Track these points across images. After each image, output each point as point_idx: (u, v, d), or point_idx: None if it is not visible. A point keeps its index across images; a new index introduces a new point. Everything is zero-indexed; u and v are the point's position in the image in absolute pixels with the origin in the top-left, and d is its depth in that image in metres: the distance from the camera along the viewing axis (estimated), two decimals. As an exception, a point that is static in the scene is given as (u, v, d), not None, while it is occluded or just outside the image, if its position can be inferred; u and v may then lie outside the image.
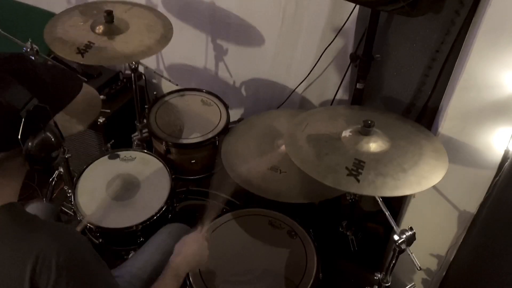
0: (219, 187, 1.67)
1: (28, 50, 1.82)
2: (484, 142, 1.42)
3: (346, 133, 1.43)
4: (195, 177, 2.08)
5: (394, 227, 1.25)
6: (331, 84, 2.20)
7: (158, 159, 1.92)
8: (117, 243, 1.76)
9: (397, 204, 1.84)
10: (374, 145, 1.38)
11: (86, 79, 2.44)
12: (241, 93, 2.54)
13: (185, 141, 1.97)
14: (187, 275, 1.49)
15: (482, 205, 1.52)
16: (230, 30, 2.32)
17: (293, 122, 1.58)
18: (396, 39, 1.77)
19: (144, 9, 2.03)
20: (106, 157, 1.93)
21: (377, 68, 1.83)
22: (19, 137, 0.89)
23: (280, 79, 2.36)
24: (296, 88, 2.30)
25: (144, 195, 1.78)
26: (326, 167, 1.31)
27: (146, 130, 2.17)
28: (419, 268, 1.23)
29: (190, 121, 2.07)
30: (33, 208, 1.68)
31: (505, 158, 1.40)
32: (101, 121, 2.25)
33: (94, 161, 1.91)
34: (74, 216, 1.73)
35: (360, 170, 1.28)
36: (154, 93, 2.24)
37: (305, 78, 2.23)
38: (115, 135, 2.26)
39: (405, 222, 1.72)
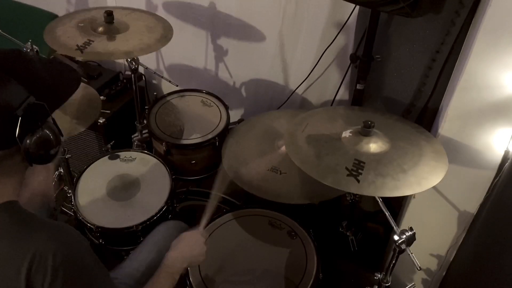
0: (220, 186, 1.67)
1: (28, 50, 1.82)
2: (484, 143, 1.42)
3: (346, 134, 1.44)
4: (195, 177, 2.08)
5: (394, 227, 1.25)
6: (331, 85, 2.20)
7: (158, 159, 1.92)
8: (117, 243, 1.76)
9: (397, 205, 1.84)
10: (374, 146, 1.38)
11: (86, 80, 2.44)
12: (241, 93, 2.54)
13: (185, 142, 1.97)
14: (187, 275, 1.50)
15: (482, 205, 1.52)
16: (230, 31, 2.33)
17: (293, 123, 1.58)
18: (396, 39, 1.78)
19: (144, 13, 2.04)
20: (106, 157, 1.93)
21: (377, 69, 1.83)
22: (16, 135, 0.89)
23: (280, 80, 2.37)
24: (296, 88, 2.30)
25: (144, 196, 1.78)
26: (326, 168, 1.31)
27: (146, 130, 2.17)
28: (419, 268, 1.23)
29: (190, 121, 2.07)
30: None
31: (505, 158, 1.40)
32: (101, 121, 2.25)
33: (94, 161, 1.91)
34: (74, 217, 1.73)
35: (360, 171, 1.28)
36: (154, 93, 2.24)
37: (305, 78, 2.23)
38: (115, 136, 2.26)
39: (405, 222, 1.72)
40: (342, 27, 1.96)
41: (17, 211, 0.95)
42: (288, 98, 2.35)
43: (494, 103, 1.33)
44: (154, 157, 1.94)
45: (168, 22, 1.96)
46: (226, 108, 2.12)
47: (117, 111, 2.36)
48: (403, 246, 1.22)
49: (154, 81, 2.77)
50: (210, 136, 1.97)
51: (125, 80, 2.51)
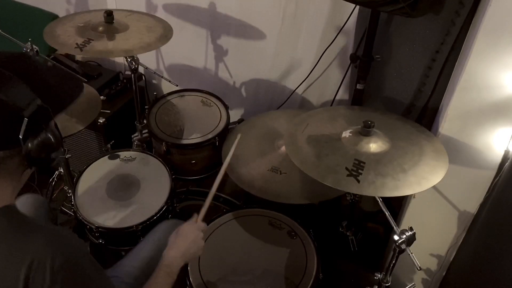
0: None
1: (28, 50, 1.82)
2: (484, 143, 1.42)
3: (346, 134, 1.44)
4: (195, 177, 2.08)
5: (394, 227, 1.25)
6: (331, 85, 2.20)
7: (158, 159, 1.92)
8: (117, 243, 1.75)
9: (397, 204, 1.84)
10: (374, 146, 1.38)
11: (86, 80, 2.44)
12: (241, 93, 2.54)
13: (185, 142, 1.97)
14: (187, 275, 1.50)
15: (482, 205, 1.52)
16: (230, 31, 2.33)
17: (293, 123, 1.58)
18: (396, 39, 1.78)
19: (144, 15, 2.04)
20: (106, 157, 1.93)
21: (377, 69, 1.83)
22: (20, 136, 0.89)
23: (280, 80, 2.37)
24: (296, 88, 2.30)
25: (144, 195, 1.78)
26: (326, 168, 1.31)
27: (146, 130, 2.17)
28: (419, 268, 1.23)
29: (190, 121, 2.07)
30: (24, 200, 1.65)
31: (505, 158, 1.41)
32: (101, 121, 2.25)
33: (94, 161, 1.91)
34: (74, 217, 1.73)
35: (360, 171, 1.28)
36: (154, 93, 2.24)
37: (305, 78, 2.23)
38: (115, 136, 2.26)
39: (405, 222, 1.72)
40: (342, 27, 1.96)
41: (15, 216, 0.94)
42: (288, 98, 2.35)
43: (494, 103, 1.33)
44: (154, 157, 1.94)
45: (168, 23, 1.96)
46: (226, 108, 2.13)
47: (117, 111, 2.36)
48: (403, 246, 1.22)
49: (154, 81, 2.77)
50: (210, 136, 1.97)
51: (125, 80, 2.51)
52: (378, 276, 1.39)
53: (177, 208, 1.99)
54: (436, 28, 1.62)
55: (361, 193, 1.25)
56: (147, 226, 1.66)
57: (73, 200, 1.74)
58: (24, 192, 1.67)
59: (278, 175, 1.71)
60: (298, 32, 2.14)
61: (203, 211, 1.44)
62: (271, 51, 2.27)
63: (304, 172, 1.31)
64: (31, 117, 0.90)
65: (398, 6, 1.39)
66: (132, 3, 2.44)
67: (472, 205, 1.56)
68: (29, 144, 0.92)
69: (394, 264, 1.30)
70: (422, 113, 1.82)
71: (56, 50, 2.74)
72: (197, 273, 1.52)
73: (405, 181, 1.26)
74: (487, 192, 1.49)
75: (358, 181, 1.25)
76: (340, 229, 1.92)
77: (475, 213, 1.56)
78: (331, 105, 2.22)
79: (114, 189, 1.79)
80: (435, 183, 1.27)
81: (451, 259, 1.70)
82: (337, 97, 2.18)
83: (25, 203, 1.62)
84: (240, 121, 2.27)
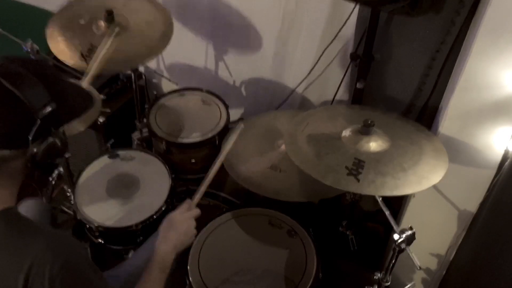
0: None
1: (28, 50, 1.82)
2: (484, 142, 1.42)
3: (346, 133, 1.43)
4: (195, 176, 2.08)
5: (394, 226, 1.25)
6: (331, 84, 2.20)
7: (158, 158, 1.92)
8: (117, 242, 1.76)
9: (397, 204, 1.84)
10: (374, 145, 1.38)
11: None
12: (241, 92, 2.54)
13: (185, 141, 1.97)
14: (187, 274, 1.50)
15: (482, 205, 1.52)
16: (230, 30, 2.33)
17: (293, 122, 1.58)
18: (396, 39, 1.77)
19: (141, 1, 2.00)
20: (106, 156, 1.93)
21: (377, 68, 1.83)
22: (30, 137, 0.90)
23: (280, 79, 2.36)
24: (296, 87, 2.30)
25: (144, 195, 1.78)
26: (326, 167, 1.31)
27: (146, 129, 2.17)
28: (419, 268, 1.23)
29: (190, 120, 2.07)
30: (27, 206, 1.65)
31: (505, 158, 1.40)
32: (101, 120, 2.25)
33: (94, 160, 1.91)
34: (74, 216, 1.73)
35: (360, 170, 1.28)
36: (154, 92, 2.25)
37: (305, 77, 2.23)
38: (115, 135, 2.26)
39: (405, 222, 1.72)
40: (342, 26, 1.96)
41: (14, 219, 0.94)
42: (288, 97, 2.35)
43: (494, 102, 1.33)
44: (154, 156, 1.94)
45: (166, 12, 1.94)
46: (226, 107, 2.12)
47: (117, 110, 2.36)
48: (403, 246, 1.22)
49: (154, 80, 2.77)
50: (210, 135, 1.97)
51: (125, 79, 2.51)
52: (378, 275, 1.39)
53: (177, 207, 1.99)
54: (436, 27, 1.62)
55: (361, 192, 1.25)
56: (147, 225, 1.66)
57: (72, 200, 1.74)
58: (24, 192, 1.67)
59: (278, 173, 1.71)
60: (298, 31, 2.14)
61: (197, 197, 1.40)
62: (271, 50, 2.27)
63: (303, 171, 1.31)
64: (43, 119, 0.91)
65: (398, 6, 1.39)
66: None
67: (472, 205, 1.56)
68: (36, 147, 0.92)
69: (394, 264, 1.31)
70: (422, 112, 1.82)
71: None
72: (197, 273, 1.52)
73: (405, 181, 1.26)
74: (487, 192, 1.49)
75: (358, 180, 1.25)
76: (340, 228, 1.92)
77: (475, 212, 1.56)
78: (331, 104, 2.22)
79: (114, 188, 1.79)
80: (435, 183, 1.27)
81: (451, 258, 1.70)
82: (337, 96, 2.18)
83: (28, 209, 1.62)
84: (240, 120, 2.27)
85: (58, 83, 0.99)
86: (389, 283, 1.39)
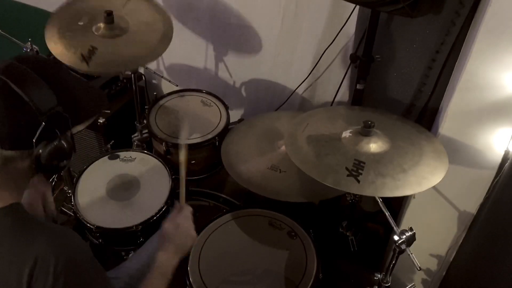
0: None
1: (28, 50, 1.82)
2: (484, 143, 1.42)
3: (346, 134, 1.43)
4: (195, 177, 2.08)
5: (394, 227, 1.25)
6: (331, 85, 2.20)
7: (158, 159, 1.92)
8: (117, 243, 1.76)
9: (397, 205, 1.84)
10: (374, 146, 1.38)
11: (86, 80, 2.44)
12: (241, 93, 2.54)
13: (185, 142, 1.97)
14: (187, 275, 1.49)
15: (482, 205, 1.52)
16: (230, 31, 2.33)
17: (293, 123, 1.58)
18: (396, 39, 1.78)
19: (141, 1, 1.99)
20: (106, 157, 1.93)
21: (377, 69, 1.83)
22: (34, 139, 0.90)
23: (280, 80, 2.37)
24: (296, 88, 2.30)
25: (144, 196, 1.78)
26: (326, 168, 1.31)
27: (146, 130, 2.17)
28: (419, 268, 1.23)
29: (190, 121, 2.07)
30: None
31: (505, 158, 1.40)
32: (101, 121, 2.25)
33: (94, 161, 1.91)
34: (74, 217, 1.73)
35: (360, 171, 1.28)
36: (154, 93, 2.24)
37: (305, 78, 2.23)
38: (115, 136, 2.26)
39: (405, 223, 1.72)
40: (342, 27, 1.96)
41: (20, 215, 0.95)
42: (288, 98, 2.35)
43: (494, 103, 1.33)
44: (154, 157, 1.94)
45: (166, 13, 1.94)
46: (226, 108, 2.12)
47: (117, 111, 2.36)
48: (403, 246, 1.22)
49: (154, 81, 2.77)
50: (210, 136, 1.97)
51: (125, 80, 2.51)
52: (378, 276, 1.39)
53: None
54: (436, 28, 1.62)
55: (361, 193, 1.25)
56: (147, 226, 1.66)
57: (73, 200, 1.74)
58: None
59: (278, 173, 1.71)
60: (298, 32, 2.14)
61: (181, 195, 1.39)
62: (271, 51, 2.27)
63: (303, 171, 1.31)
64: (49, 122, 0.92)
65: (398, 6, 1.39)
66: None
67: (472, 205, 1.56)
68: (41, 149, 0.93)
69: (394, 264, 1.31)
70: (422, 113, 1.82)
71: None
72: (197, 273, 1.51)
73: (405, 181, 1.26)
74: (487, 192, 1.49)
75: (358, 181, 1.25)
76: (340, 229, 1.92)
77: (475, 213, 1.56)
78: (331, 105, 2.22)
79: (114, 189, 1.79)
80: (435, 183, 1.27)
81: (451, 259, 1.70)
82: (337, 97, 2.18)
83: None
84: (240, 120, 2.27)
85: (68, 86, 1.00)
86: (389, 284, 1.39)
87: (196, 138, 1.97)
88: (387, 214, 1.30)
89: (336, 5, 1.95)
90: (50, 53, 1.88)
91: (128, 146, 2.17)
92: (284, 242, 1.64)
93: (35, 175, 1.00)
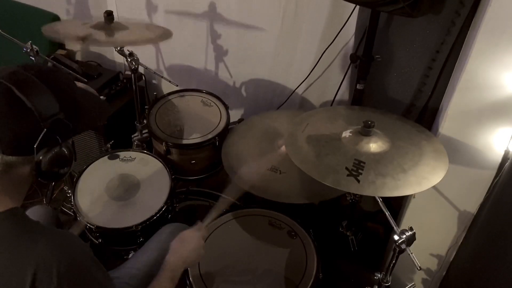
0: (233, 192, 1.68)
1: (28, 50, 1.82)
2: (484, 143, 1.42)
3: (346, 134, 1.43)
4: (195, 177, 2.08)
5: (394, 227, 1.25)
6: (331, 85, 2.20)
7: (158, 159, 1.92)
8: (117, 243, 1.76)
9: (397, 204, 1.84)
10: (374, 146, 1.38)
11: (86, 80, 2.44)
12: (241, 93, 2.54)
13: (185, 142, 1.97)
14: (187, 275, 1.50)
15: (482, 205, 1.52)
16: (230, 31, 2.33)
17: (293, 123, 1.58)
18: (396, 39, 1.78)
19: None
20: (106, 157, 1.93)
21: (377, 69, 1.83)
22: (35, 146, 0.91)
23: (280, 80, 2.37)
24: (296, 88, 2.30)
25: (144, 196, 1.78)
26: (326, 168, 1.31)
27: (146, 130, 2.17)
28: (419, 268, 1.23)
29: (190, 121, 2.07)
30: (33, 212, 1.67)
31: (505, 158, 1.40)
32: (101, 121, 2.24)
33: (94, 161, 1.91)
34: (74, 217, 1.73)
35: (360, 171, 1.28)
36: (154, 93, 2.24)
37: (305, 78, 2.23)
38: (115, 136, 2.26)
39: (405, 222, 1.72)
40: (342, 27, 1.96)
41: (20, 219, 0.95)
42: (288, 98, 2.35)
43: (494, 102, 1.33)
44: (154, 157, 1.94)
45: (168, 29, 1.97)
46: (226, 108, 2.13)
47: (117, 111, 2.36)
48: (403, 246, 1.22)
49: (154, 81, 2.77)
50: (210, 136, 1.97)
51: (125, 80, 2.51)
52: (378, 276, 1.39)
53: (177, 208, 1.99)
54: (436, 28, 1.62)
55: (361, 193, 1.25)
56: (147, 226, 1.66)
57: (73, 200, 1.74)
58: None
59: (278, 174, 1.71)
60: (298, 32, 2.14)
61: (208, 221, 1.50)
62: (271, 51, 2.27)
63: (304, 172, 1.31)
64: (50, 129, 0.92)
65: (398, 6, 1.39)
66: (132, 3, 2.44)
67: (472, 205, 1.56)
68: (42, 155, 0.93)
69: (394, 264, 1.30)
70: (422, 113, 1.82)
71: (56, 50, 2.74)
72: (197, 273, 1.52)
73: (405, 181, 1.26)
74: (487, 192, 1.49)
75: (358, 181, 1.25)
76: (340, 229, 1.92)
77: (475, 213, 1.56)
78: (331, 105, 2.22)
79: (114, 189, 1.79)
80: (435, 183, 1.27)
81: (451, 259, 1.70)
82: (337, 97, 2.18)
83: (33, 214, 1.62)
84: (240, 120, 2.27)
85: (71, 94, 1.01)
86: (389, 284, 1.39)
87: (196, 138, 1.98)
88: (387, 214, 1.30)
89: (336, 5, 1.95)
90: (50, 54, 1.88)
91: (128, 146, 2.17)
92: (284, 241, 1.64)
93: (35, 181, 1.00)
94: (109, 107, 1.16)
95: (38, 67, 0.99)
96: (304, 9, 2.06)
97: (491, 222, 1.44)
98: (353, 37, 1.98)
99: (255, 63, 2.37)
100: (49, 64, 1.89)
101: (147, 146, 2.23)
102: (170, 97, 2.19)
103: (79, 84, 1.14)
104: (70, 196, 1.79)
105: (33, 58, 1.83)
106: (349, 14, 1.89)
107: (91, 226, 1.65)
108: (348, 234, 1.91)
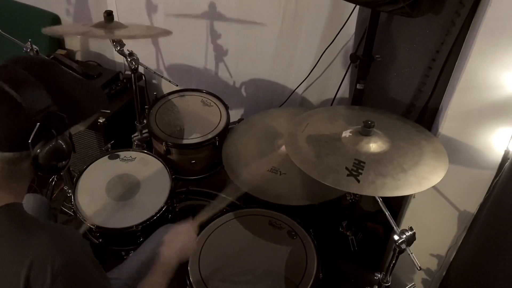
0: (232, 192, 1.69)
1: (28, 50, 1.82)
2: (484, 143, 1.42)
3: (346, 134, 1.43)
4: (195, 177, 2.08)
5: (394, 227, 1.25)
6: (331, 85, 2.20)
7: (158, 159, 1.92)
8: (117, 243, 1.76)
9: (397, 204, 1.84)
10: (374, 146, 1.38)
11: (85, 79, 2.44)
12: (241, 93, 2.54)
13: (185, 142, 1.97)
14: (187, 274, 1.49)
15: (482, 205, 1.52)
16: (230, 31, 2.33)
17: (293, 123, 1.58)
18: (396, 39, 1.78)
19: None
20: (106, 157, 1.93)
21: (377, 69, 1.83)
22: (29, 140, 0.90)
23: (280, 80, 2.37)
24: (296, 88, 2.30)
25: (144, 195, 1.78)
26: (326, 168, 1.31)
27: (146, 130, 2.17)
28: (419, 268, 1.23)
29: (190, 121, 2.07)
30: (25, 200, 1.65)
31: (505, 158, 1.40)
32: (101, 121, 2.25)
33: (94, 161, 1.91)
34: (74, 216, 1.73)
35: (360, 171, 1.28)
36: (154, 93, 2.24)
37: (305, 78, 2.23)
38: (115, 136, 2.26)
39: (405, 222, 1.72)
40: (342, 27, 1.96)
41: (17, 215, 0.94)
42: (288, 97, 2.35)
43: (494, 102, 1.33)
44: (154, 157, 1.94)
45: (168, 30, 1.97)
46: (226, 107, 2.13)
47: (117, 111, 2.36)
48: (403, 246, 1.22)
49: (154, 81, 2.77)
50: (210, 136, 1.97)
51: (125, 80, 2.51)
52: (378, 276, 1.39)
53: (177, 208, 1.99)
54: (436, 28, 1.62)
55: (361, 193, 1.25)
56: (147, 226, 1.66)
57: (73, 200, 1.74)
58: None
59: (278, 175, 1.71)
60: (298, 32, 2.14)
61: (204, 217, 1.51)
62: (271, 51, 2.27)
63: (304, 173, 1.31)
64: (44, 123, 0.91)
65: (398, 6, 1.39)
66: (132, 3, 2.44)
67: (472, 205, 1.56)
68: (38, 150, 0.92)
69: (394, 264, 1.30)
70: (422, 113, 1.82)
71: (56, 49, 2.74)
72: (197, 273, 1.52)
73: (405, 181, 1.26)
74: (487, 192, 1.49)
75: (358, 181, 1.25)
76: (340, 229, 1.92)
77: (475, 213, 1.56)
78: (331, 105, 2.22)
79: (114, 189, 1.79)
80: (435, 183, 1.27)
81: (451, 259, 1.70)
82: (337, 97, 2.18)
83: (26, 203, 1.62)
84: (240, 120, 2.27)
85: (65, 85, 0.99)
86: (389, 284, 1.39)
87: (196, 138, 1.98)
88: (387, 214, 1.30)
89: (336, 5, 1.95)
90: (49, 54, 1.88)
91: (128, 146, 2.17)
92: (284, 241, 1.64)
93: (35, 175, 1.00)
94: (105, 95, 1.14)
95: (28, 59, 0.97)
96: (304, 9, 2.06)
97: (491, 222, 1.44)
98: (353, 37, 1.98)
99: (255, 63, 2.37)
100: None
101: (147, 146, 2.23)
102: (170, 97, 2.19)
103: (72, 74, 1.12)
104: (70, 196, 1.79)
105: (42, 58, 1.84)
106: (349, 14, 1.89)
107: (91, 226, 1.65)
108: (348, 234, 1.91)
